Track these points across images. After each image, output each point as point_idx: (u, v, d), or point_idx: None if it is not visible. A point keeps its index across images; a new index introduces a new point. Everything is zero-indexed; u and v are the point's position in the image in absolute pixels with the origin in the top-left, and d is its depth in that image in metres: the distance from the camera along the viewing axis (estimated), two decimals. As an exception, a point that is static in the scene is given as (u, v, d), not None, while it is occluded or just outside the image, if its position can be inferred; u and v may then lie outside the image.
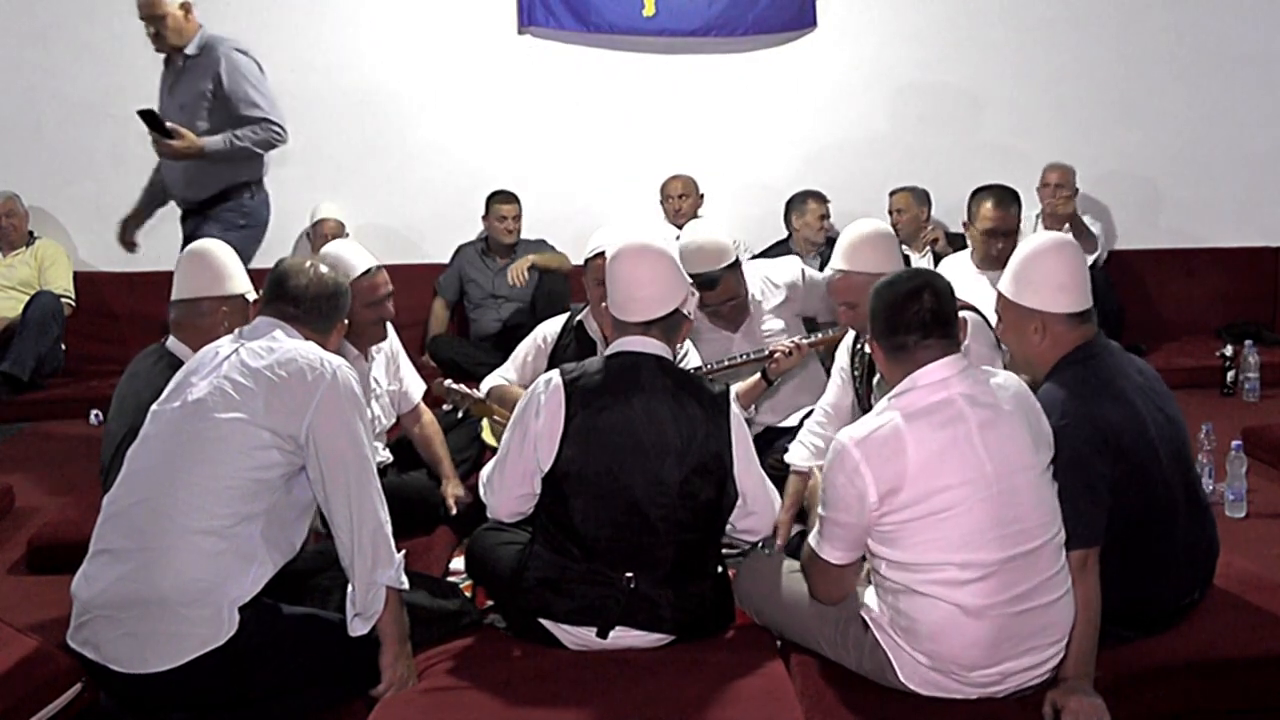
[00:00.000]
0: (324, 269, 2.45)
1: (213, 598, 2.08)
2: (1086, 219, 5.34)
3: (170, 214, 5.47)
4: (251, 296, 2.82)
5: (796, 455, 3.07)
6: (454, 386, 3.26)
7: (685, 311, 2.49)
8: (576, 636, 2.40)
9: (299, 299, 2.37)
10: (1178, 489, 2.30)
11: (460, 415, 3.36)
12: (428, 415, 3.37)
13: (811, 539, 2.22)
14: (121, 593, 2.09)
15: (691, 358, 3.38)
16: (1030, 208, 5.65)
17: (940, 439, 2.05)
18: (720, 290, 3.47)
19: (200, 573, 2.08)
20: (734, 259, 3.49)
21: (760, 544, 2.70)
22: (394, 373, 3.34)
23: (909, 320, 2.11)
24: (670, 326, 2.47)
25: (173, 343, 2.74)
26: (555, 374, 2.44)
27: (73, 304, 5.32)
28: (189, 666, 2.06)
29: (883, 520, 2.07)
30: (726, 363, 3.39)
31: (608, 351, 2.49)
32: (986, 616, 2.03)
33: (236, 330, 2.39)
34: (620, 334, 2.48)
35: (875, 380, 2.86)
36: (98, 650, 2.11)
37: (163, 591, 2.07)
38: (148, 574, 2.09)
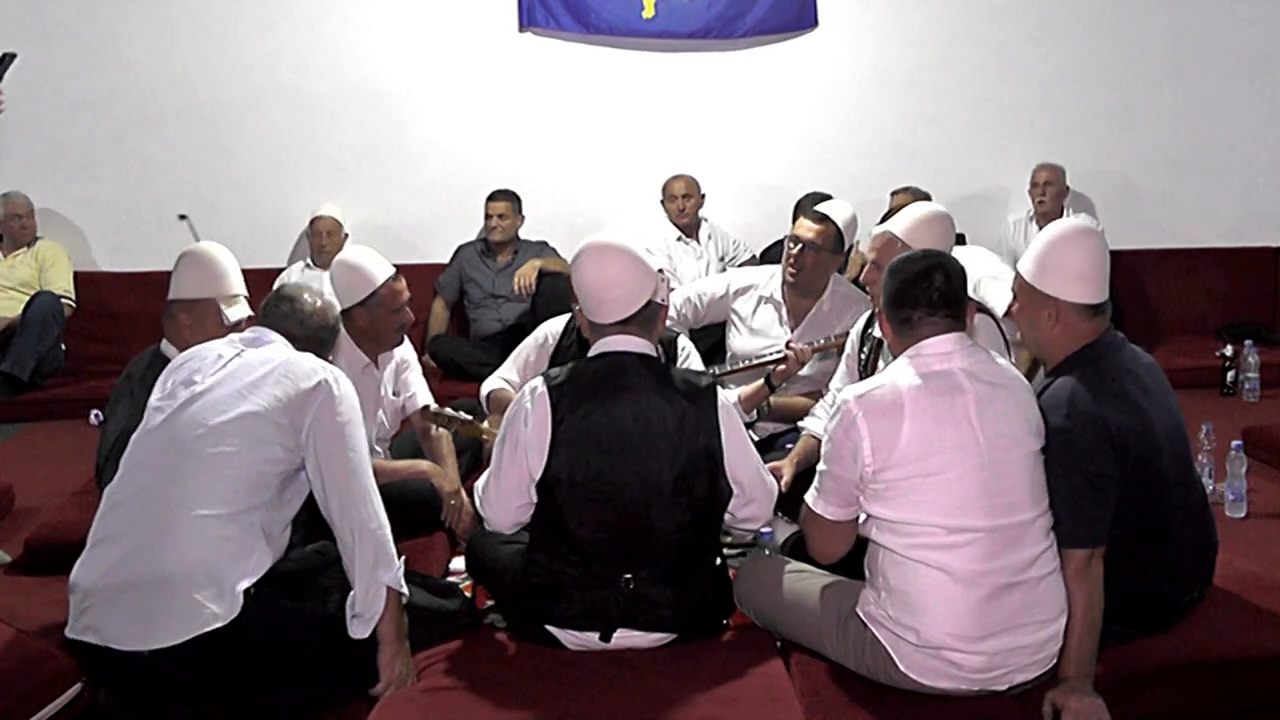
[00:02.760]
0: (324, 301, 2.52)
1: (216, 578, 2.10)
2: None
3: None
4: (246, 294, 2.86)
5: (810, 424, 3.19)
6: (441, 411, 3.24)
7: (659, 300, 2.48)
8: (580, 640, 2.40)
9: (303, 322, 2.45)
10: (1178, 487, 2.31)
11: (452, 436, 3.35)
12: None
13: (809, 495, 2.28)
14: (124, 573, 2.11)
15: (693, 360, 3.38)
16: (1021, 210, 5.69)
17: (937, 405, 2.11)
18: (820, 230, 3.45)
19: (204, 554, 2.11)
20: (843, 236, 3.48)
21: (760, 544, 2.70)
22: (402, 379, 3.34)
23: (917, 296, 2.19)
24: (646, 319, 2.46)
25: (165, 346, 2.77)
26: (539, 381, 2.43)
27: (73, 304, 5.32)
28: (190, 647, 2.06)
29: (876, 478, 2.12)
30: (730, 368, 3.39)
31: (591, 353, 2.47)
32: (975, 584, 2.07)
33: (235, 336, 2.43)
34: (598, 335, 2.47)
35: (879, 366, 2.89)
36: (98, 634, 2.11)
37: (167, 570, 2.09)
38: (152, 554, 2.11)
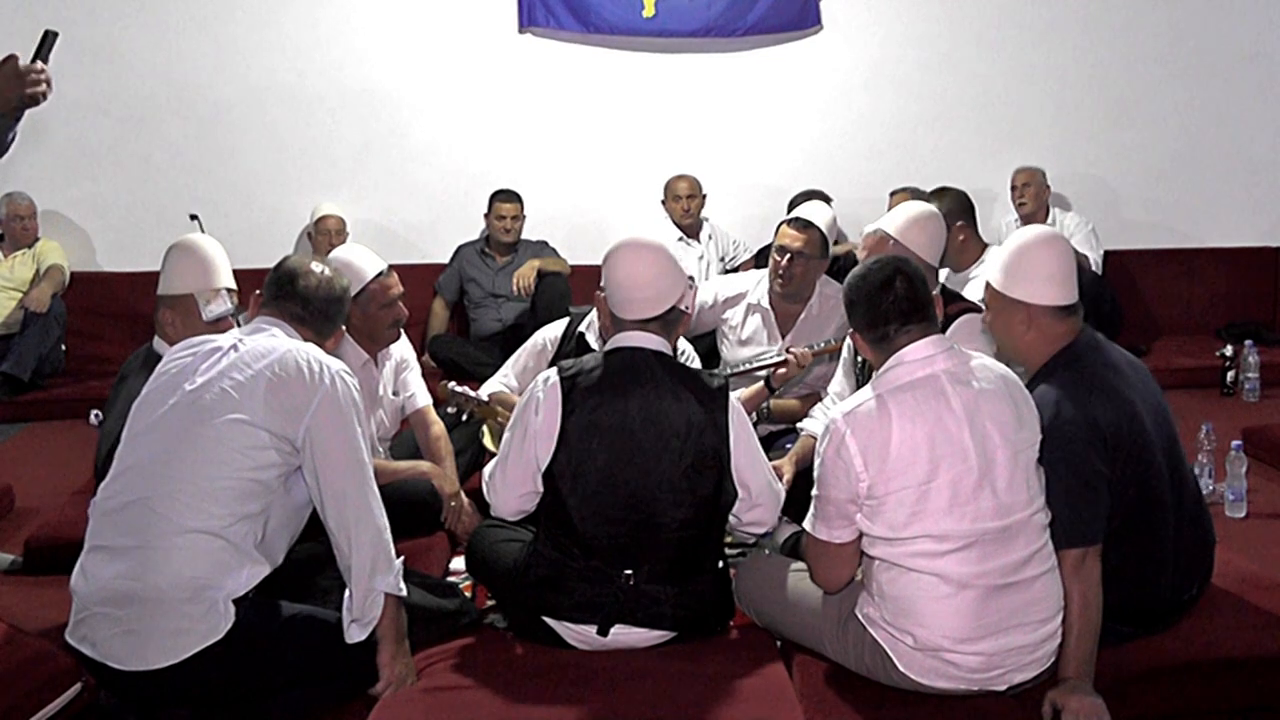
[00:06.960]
0: (330, 271, 2.44)
1: (209, 593, 2.08)
2: (1073, 227, 5.35)
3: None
4: (233, 287, 2.78)
5: (810, 425, 3.20)
6: (457, 389, 3.26)
7: (683, 307, 2.49)
8: (578, 633, 2.40)
9: (308, 300, 2.36)
10: (1171, 481, 2.31)
11: (464, 418, 3.35)
12: (438, 426, 3.35)
13: (807, 523, 2.26)
14: (119, 590, 2.09)
15: (693, 364, 3.38)
16: (1007, 213, 5.68)
17: (922, 413, 2.11)
18: (806, 238, 3.45)
19: (197, 569, 2.09)
20: (828, 240, 3.49)
21: (759, 544, 2.70)
22: (401, 379, 3.34)
23: (886, 310, 2.19)
24: (669, 322, 2.48)
25: (157, 343, 2.71)
26: (553, 371, 2.44)
27: (65, 278, 5.33)
28: (188, 663, 2.06)
29: (870, 492, 2.12)
30: (730, 371, 3.40)
31: (606, 347, 2.49)
32: (969, 587, 2.07)
33: (235, 328, 2.38)
34: (617, 329, 2.48)
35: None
36: (94, 648, 2.10)
37: (161, 589, 2.07)
38: (145, 572, 2.08)
